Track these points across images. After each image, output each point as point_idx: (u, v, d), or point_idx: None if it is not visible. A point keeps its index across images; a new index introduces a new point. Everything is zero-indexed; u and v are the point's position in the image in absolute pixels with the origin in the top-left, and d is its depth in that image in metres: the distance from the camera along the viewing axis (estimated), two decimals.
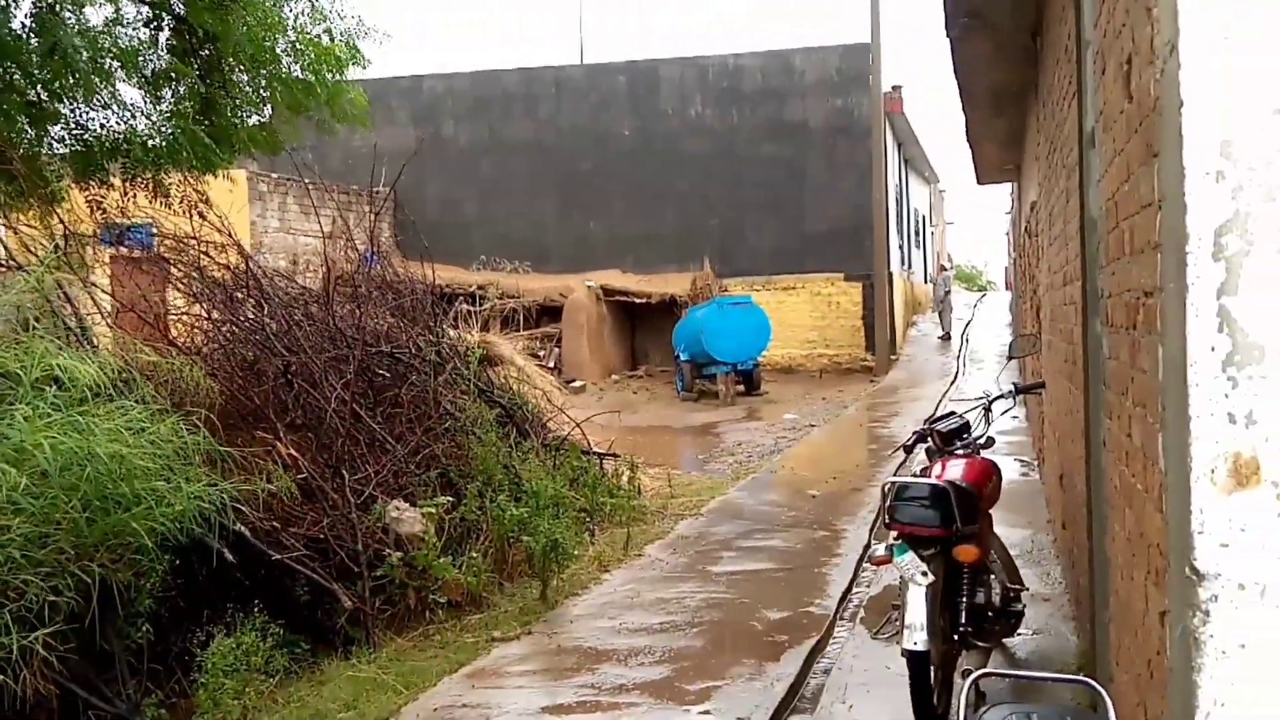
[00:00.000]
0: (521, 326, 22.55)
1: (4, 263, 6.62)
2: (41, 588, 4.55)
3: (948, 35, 7.35)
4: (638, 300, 24.29)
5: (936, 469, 5.31)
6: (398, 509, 7.14)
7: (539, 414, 10.83)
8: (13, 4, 8.14)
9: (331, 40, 9.36)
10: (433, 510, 7.23)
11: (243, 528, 5.79)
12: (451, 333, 11.47)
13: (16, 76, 8.06)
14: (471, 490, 7.81)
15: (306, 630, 6.10)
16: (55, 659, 4.58)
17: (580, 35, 51.04)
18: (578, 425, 10.84)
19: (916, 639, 4.56)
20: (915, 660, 4.60)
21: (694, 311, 21.85)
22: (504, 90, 26.02)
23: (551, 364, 22.22)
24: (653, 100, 25.33)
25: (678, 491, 10.96)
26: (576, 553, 7.81)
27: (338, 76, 9.40)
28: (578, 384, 21.83)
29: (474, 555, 7.19)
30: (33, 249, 6.98)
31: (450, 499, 7.56)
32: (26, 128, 8.28)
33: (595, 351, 23.51)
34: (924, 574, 4.67)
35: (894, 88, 25.69)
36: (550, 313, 23.78)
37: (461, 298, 19.19)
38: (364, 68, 9.79)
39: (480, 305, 20.88)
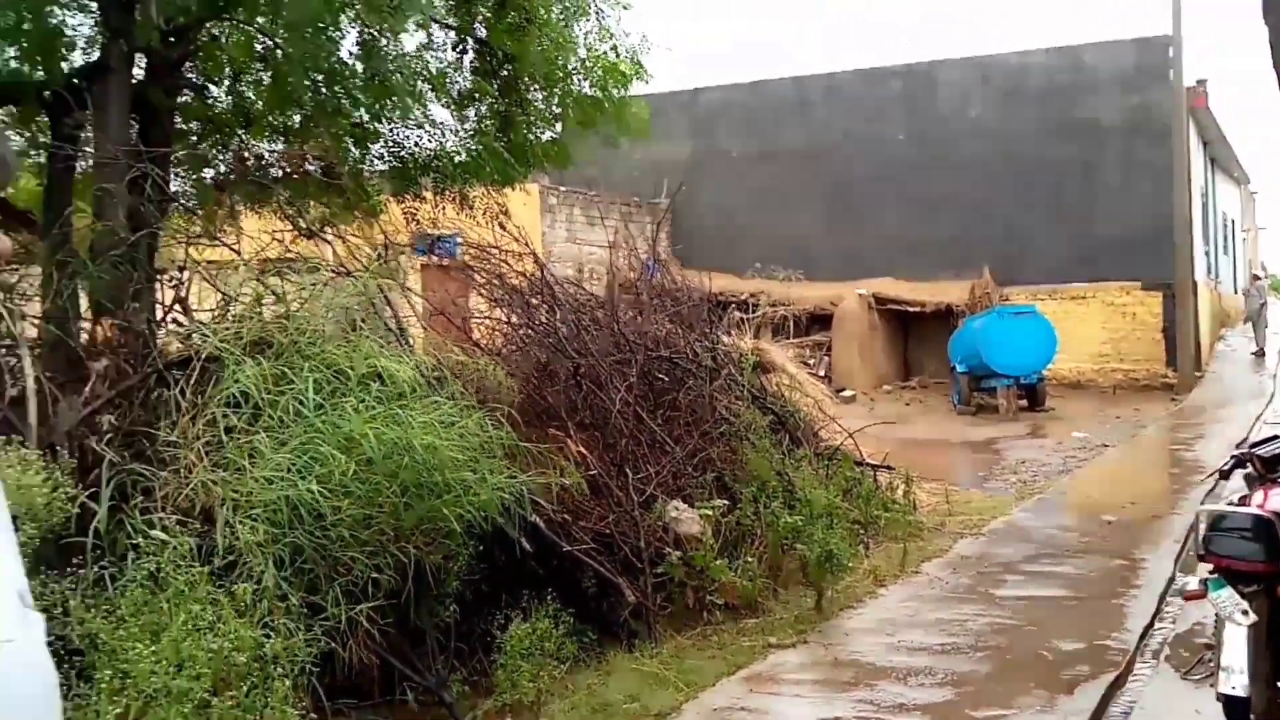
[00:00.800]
0: (792, 334, 22.50)
1: (334, 269, 7.32)
2: (366, 565, 4.99)
3: (1265, 22, 6.70)
4: (911, 309, 23.66)
5: (1258, 497, 4.87)
6: (677, 509, 7.32)
7: (811, 422, 10.78)
8: (341, 35, 8.98)
9: (617, 57, 9.69)
10: (710, 512, 7.35)
11: (538, 519, 6.12)
12: (725, 339, 11.64)
13: (344, 101, 8.87)
14: (746, 495, 7.89)
15: (593, 621, 6.36)
16: (377, 632, 5.02)
17: (852, 42, 50.09)
18: (850, 435, 10.72)
19: (1235, 683, 4.22)
20: (1233, 706, 4.26)
21: (971, 321, 21.01)
22: (777, 99, 26.03)
23: (822, 372, 22.05)
24: (929, 103, 24.59)
25: (956, 509, 10.59)
26: (851, 565, 7.71)
27: (623, 92, 9.71)
28: (848, 393, 21.55)
29: (749, 560, 7.26)
30: (358, 256, 7.68)
31: (725, 502, 7.68)
32: (351, 147, 9.07)
33: (866, 361, 23.12)
34: (1244, 613, 4.30)
35: (1198, 82, 23.73)
36: (820, 321, 23.59)
37: (734, 305, 19.41)
38: (646, 82, 10.07)
39: (752, 313, 21.07)
